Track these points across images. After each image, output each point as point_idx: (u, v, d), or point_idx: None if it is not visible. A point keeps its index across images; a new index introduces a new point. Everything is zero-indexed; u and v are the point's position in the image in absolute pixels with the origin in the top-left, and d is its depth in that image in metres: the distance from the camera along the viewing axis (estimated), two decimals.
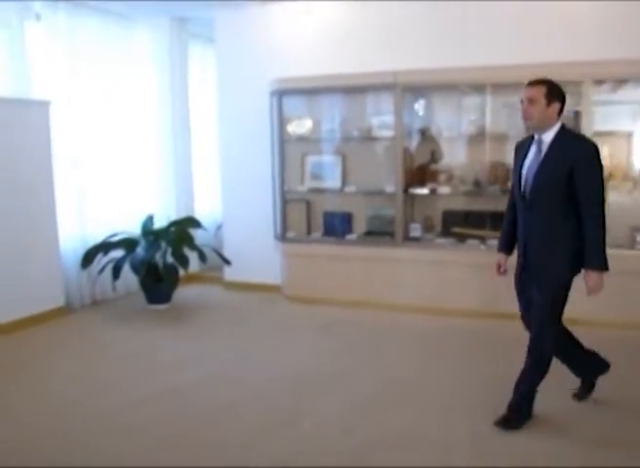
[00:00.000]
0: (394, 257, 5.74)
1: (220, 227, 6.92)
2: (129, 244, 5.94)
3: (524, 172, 3.36)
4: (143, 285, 5.95)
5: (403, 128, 5.67)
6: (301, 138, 6.18)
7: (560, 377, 3.65)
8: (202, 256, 6.09)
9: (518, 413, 3.42)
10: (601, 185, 3.20)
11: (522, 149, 3.44)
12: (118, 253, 5.89)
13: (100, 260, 5.83)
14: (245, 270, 6.50)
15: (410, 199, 5.87)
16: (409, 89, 5.62)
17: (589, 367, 3.69)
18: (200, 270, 6.91)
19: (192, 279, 6.83)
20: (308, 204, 6.32)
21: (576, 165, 3.15)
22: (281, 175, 6.14)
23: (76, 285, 5.99)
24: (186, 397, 3.93)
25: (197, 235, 6.38)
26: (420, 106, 5.94)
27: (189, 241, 6.12)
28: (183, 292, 6.36)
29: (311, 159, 6.20)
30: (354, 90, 5.88)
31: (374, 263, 5.83)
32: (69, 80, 5.86)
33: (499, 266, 3.66)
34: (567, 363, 3.64)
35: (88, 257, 5.78)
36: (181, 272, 6.09)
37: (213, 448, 3.25)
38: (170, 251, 5.99)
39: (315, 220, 6.32)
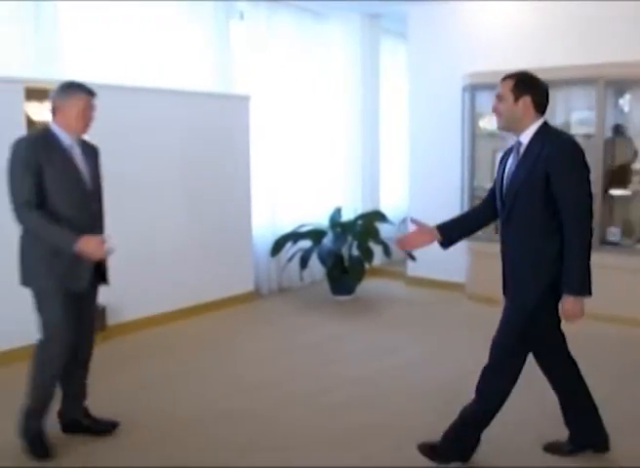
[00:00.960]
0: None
1: (404, 221, 6.93)
2: (316, 235, 6.13)
3: (504, 180, 2.89)
4: (329, 276, 6.11)
5: (604, 124, 5.33)
6: (492, 134, 6.01)
7: None
8: (387, 250, 6.14)
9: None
10: (584, 191, 2.70)
11: (506, 155, 2.95)
12: (306, 244, 6.11)
13: (289, 250, 6.10)
14: (429, 266, 6.43)
15: (608, 201, 5.51)
16: (612, 83, 5.27)
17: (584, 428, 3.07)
18: (382, 264, 6.98)
19: (375, 272, 6.91)
20: None
21: (550, 165, 2.66)
22: (471, 171, 6.02)
23: (265, 272, 6.30)
24: (379, 385, 4.01)
25: (382, 229, 6.44)
26: (624, 102, 5.55)
27: (375, 234, 6.20)
28: (366, 285, 6.45)
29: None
30: (552, 84, 5.59)
31: None
32: (267, 76, 6.15)
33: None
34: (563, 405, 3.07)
35: (277, 246, 6.05)
36: (366, 265, 6.19)
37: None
38: (356, 243, 6.11)
39: None
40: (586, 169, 2.73)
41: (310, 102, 6.64)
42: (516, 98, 2.73)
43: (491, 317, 5.54)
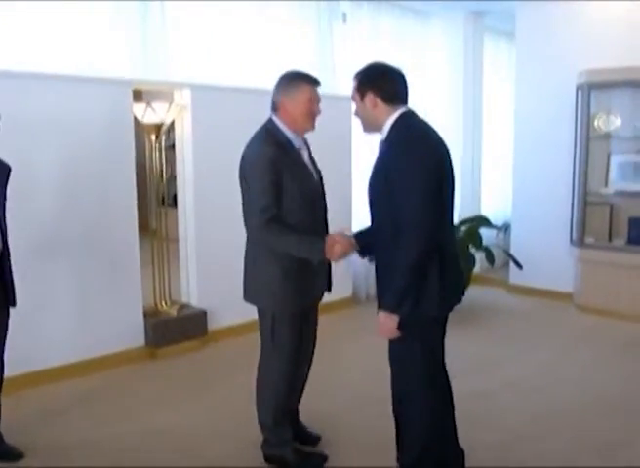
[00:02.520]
0: None
1: (503, 228, 6.62)
2: None
3: None
4: None
5: None
6: (607, 136, 5.66)
7: None
8: (490, 257, 5.87)
9: None
10: (414, 198, 2.31)
11: None
12: None
13: None
14: (533, 274, 6.11)
15: None
16: None
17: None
18: (483, 270, 6.70)
19: (476, 279, 6.62)
20: (612, 207, 5.76)
21: (387, 166, 2.39)
22: (585, 174, 5.66)
23: (363, 277, 6.14)
24: (492, 402, 3.79)
25: (484, 234, 6.17)
26: None
27: (477, 240, 5.94)
28: (467, 293, 6.16)
29: (618, 159, 5.63)
30: None
31: None
32: None
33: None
34: None
35: None
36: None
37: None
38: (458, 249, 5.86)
39: (618, 226, 5.75)
40: (422, 174, 2.33)
41: (412, 104, 6.42)
42: (362, 97, 2.51)
43: (604, 329, 5.32)
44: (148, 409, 3.73)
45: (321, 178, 3.01)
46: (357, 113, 2.59)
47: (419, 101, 6.48)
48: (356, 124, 5.63)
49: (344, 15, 5.78)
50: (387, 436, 2.79)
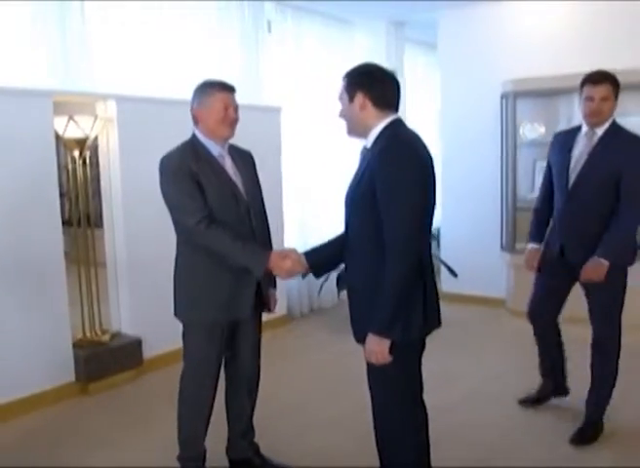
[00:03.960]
0: None
1: (436, 236, 6.63)
2: None
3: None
4: None
5: None
6: (532, 143, 5.76)
7: None
8: None
9: None
10: (404, 213, 2.16)
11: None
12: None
13: None
14: (465, 282, 6.13)
15: None
16: None
17: None
18: None
19: None
20: None
21: (375, 175, 2.22)
22: (513, 181, 5.74)
23: (296, 293, 5.96)
24: (457, 415, 3.70)
25: None
26: None
27: None
28: None
29: (543, 165, 5.73)
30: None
31: None
32: (295, 86, 5.86)
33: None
34: None
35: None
36: None
37: None
38: None
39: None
40: (411, 186, 2.17)
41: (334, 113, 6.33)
42: (351, 98, 2.33)
43: None
44: (88, 451, 3.39)
45: (259, 189, 2.97)
46: (343, 115, 2.41)
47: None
48: (288, 134, 5.60)
49: (269, 23, 5.62)
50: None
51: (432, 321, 2.38)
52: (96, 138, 4.32)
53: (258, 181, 2.98)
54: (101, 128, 4.27)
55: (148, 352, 4.50)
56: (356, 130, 2.39)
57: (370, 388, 2.45)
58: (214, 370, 2.85)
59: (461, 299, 6.21)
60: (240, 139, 2.92)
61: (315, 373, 4.53)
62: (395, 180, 2.17)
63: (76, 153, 4.20)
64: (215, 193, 2.67)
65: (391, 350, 2.26)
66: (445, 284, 6.34)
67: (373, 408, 2.45)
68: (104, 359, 4.22)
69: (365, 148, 2.37)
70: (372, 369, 2.38)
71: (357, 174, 2.36)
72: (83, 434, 3.60)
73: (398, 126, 2.34)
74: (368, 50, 6.65)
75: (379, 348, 2.26)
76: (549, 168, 3.56)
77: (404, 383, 2.40)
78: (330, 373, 4.51)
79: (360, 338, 2.37)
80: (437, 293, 2.45)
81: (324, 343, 5.20)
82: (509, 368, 4.53)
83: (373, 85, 2.32)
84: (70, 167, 4.27)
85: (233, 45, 5.32)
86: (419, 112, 7.33)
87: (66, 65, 4.20)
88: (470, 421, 3.66)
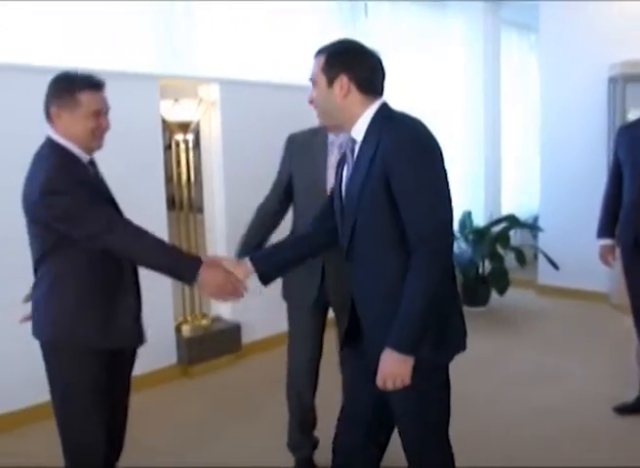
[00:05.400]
0: None
1: (536, 227, 6.38)
2: None
3: (342, 194, 2.12)
4: (465, 286, 5.62)
5: None
6: None
7: None
8: (520, 258, 5.65)
9: None
10: (433, 205, 1.82)
11: (342, 162, 2.10)
12: None
13: None
14: (564, 274, 5.86)
15: None
16: None
17: None
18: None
19: None
20: None
21: (388, 166, 1.82)
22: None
23: None
24: (566, 415, 3.51)
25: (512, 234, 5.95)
26: None
27: (505, 240, 5.71)
28: (496, 295, 5.96)
29: None
30: None
31: None
32: (392, 68, 5.72)
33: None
34: None
35: None
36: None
37: None
38: (487, 251, 5.63)
39: None
40: (438, 171, 1.85)
41: (431, 98, 6.18)
42: (330, 81, 1.91)
43: None
44: (196, 435, 3.39)
45: None
46: (316, 101, 1.98)
47: (438, 96, 6.25)
48: None
49: (366, 5, 5.50)
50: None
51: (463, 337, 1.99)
52: (198, 123, 4.32)
53: None
54: (204, 111, 4.26)
55: (246, 337, 4.49)
56: (335, 119, 1.98)
57: (396, 421, 2.03)
58: None
59: (561, 292, 5.95)
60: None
61: None
62: (422, 169, 1.82)
63: (180, 137, 4.21)
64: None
65: (421, 369, 1.84)
66: (543, 276, 6.12)
67: (404, 445, 2.02)
68: (205, 342, 4.24)
69: (352, 140, 1.96)
70: (400, 399, 1.93)
71: (355, 169, 1.93)
72: (187, 417, 3.61)
73: (391, 110, 1.95)
74: (463, 32, 6.45)
75: (400, 370, 1.81)
76: (617, 161, 3.44)
77: (444, 403, 2.00)
78: None
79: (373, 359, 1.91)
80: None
81: None
82: (610, 369, 4.27)
83: (358, 66, 1.92)
84: (174, 150, 4.29)
85: (331, 28, 5.24)
86: (513, 98, 7.06)
87: (172, 49, 4.20)
88: (570, 425, 3.45)
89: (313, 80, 1.96)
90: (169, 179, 4.24)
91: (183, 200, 4.32)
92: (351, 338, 2.08)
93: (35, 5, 3.53)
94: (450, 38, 6.38)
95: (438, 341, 1.87)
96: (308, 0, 5.01)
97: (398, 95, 5.80)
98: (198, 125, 4.35)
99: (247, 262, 2.19)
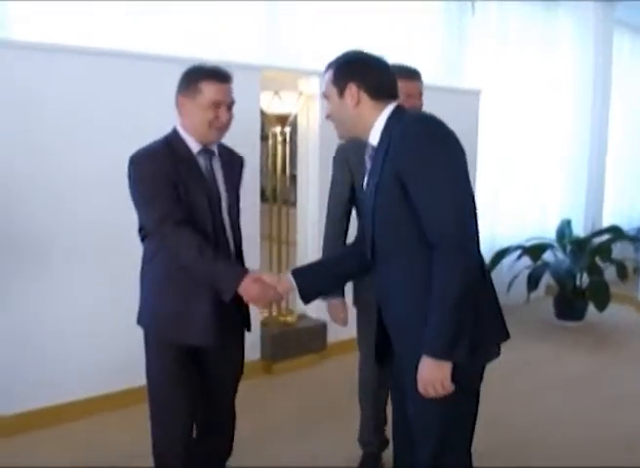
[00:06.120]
0: None
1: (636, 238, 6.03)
2: (537, 250, 5.40)
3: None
4: (559, 298, 5.35)
5: None
6: None
7: None
8: (621, 272, 5.31)
9: None
10: (452, 199, 1.72)
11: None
12: (523, 260, 5.39)
13: (502, 264, 5.41)
14: None
15: None
16: None
17: None
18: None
19: None
20: None
21: (399, 163, 1.75)
22: None
23: None
24: None
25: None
26: None
27: (606, 253, 5.38)
28: (593, 309, 5.65)
29: None
30: None
31: None
32: (498, 69, 5.51)
33: None
34: None
35: (494, 261, 5.38)
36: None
37: None
38: (586, 262, 5.32)
39: None
40: (451, 163, 1.75)
41: (537, 99, 5.89)
42: (341, 91, 1.89)
43: None
44: (277, 436, 3.32)
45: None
46: (331, 115, 1.95)
47: (545, 99, 5.97)
48: (488, 119, 5.25)
49: (473, 5, 5.28)
50: None
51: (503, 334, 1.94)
52: (296, 116, 4.24)
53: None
54: (303, 105, 4.18)
55: (332, 337, 4.39)
56: (351, 130, 1.94)
57: (415, 433, 1.93)
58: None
59: None
60: None
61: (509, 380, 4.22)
62: (434, 163, 1.73)
63: (277, 129, 4.15)
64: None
65: (458, 375, 1.77)
66: None
67: (420, 459, 1.92)
68: (290, 340, 4.17)
69: (372, 148, 1.91)
70: (422, 407, 1.86)
71: (371, 177, 1.90)
72: (270, 415, 3.56)
73: (404, 111, 1.89)
74: (573, 32, 6.13)
75: (438, 375, 1.74)
76: None
77: (470, 417, 1.93)
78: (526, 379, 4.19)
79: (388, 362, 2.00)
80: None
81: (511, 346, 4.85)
82: None
83: (366, 73, 1.89)
84: (270, 142, 4.23)
85: (437, 26, 5.08)
86: (623, 103, 6.70)
87: (273, 41, 4.15)
88: None
89: (326, 94, 1.94)
90: (263, 171, 4.20)
91: (277, 192, 4.27)
92: (382, 353, 2.04)
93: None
94: (559, 38, 6.07)
95: (472, 345, 1.76)
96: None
97: (503, 95, 5.60)
98: (296, 118, 4.28)
99: (290, 278, 2.13)
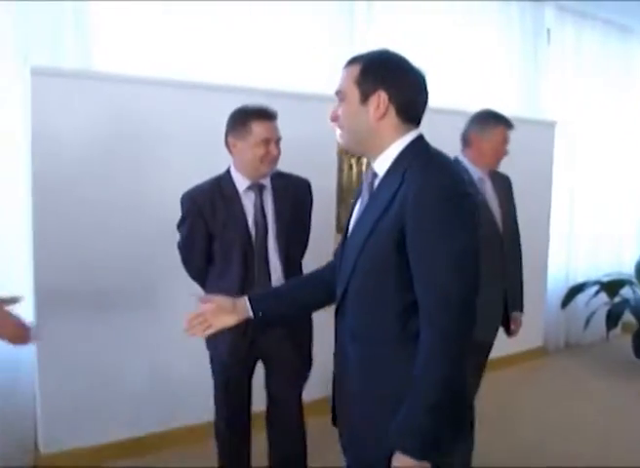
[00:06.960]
0: None
1: None
2: (616, 285, 5.17)
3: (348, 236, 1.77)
4: (638, 335, 5.12)
5: None
6: None
7: None
8: None
9: None
10: (458, 269, 1.46)
11: (358, 197, 1.78)
12: (600, 296, 5.17)
13: (577, 300, 5.22)
14: None
15: None
16: None
17: None
18: None
19: None
20: None
21: (406, 215, 1.49)
22: None
23: (554, 325, 5.43)
24: None
25: None
26: None
27: None
28: None
29: None
30: None
31: None
32: (574, 99, 5.37)
33: None
34: None
35: (570, 296, 5.20)
36: None
37: None
38: None
39: None
40: (464, 234, 1.48)
41: (613, 130, 5.72)
42: (365, 96, 1.57)
43: None
44: None
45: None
46: (341, 120, 1.64)
47: (620, 129, 5.79)
48: (564, 150, 5.10)
49: (548, 31, 5.19)
50: None
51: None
52: None
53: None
54: None
55: None
56: (361, 144, 1.64)
57: None
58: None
59: None
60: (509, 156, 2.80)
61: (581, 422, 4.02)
62: (444, 229, 1.47)
63: (353, 160, 4.11)
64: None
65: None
66: None
67: None
68: None
69: (374, 174, 1.64)
70: None
71: (367, 208, 1.63)
72: None
73: (426, 146, 1.62)
74: None
75: None
76: None
77: None
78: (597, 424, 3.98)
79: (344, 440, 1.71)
80: None
81: (588, 388, 4.64)
82: None
83: (402, 83, 1.57)
84: (346, 171, 4.19)
85: (512, 55, 5.01)
86: None
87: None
88: None
89: (341, 93, 1.62)
90: (339, 201, 4.15)
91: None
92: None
93: (229, 29, 3.72)
94: (634, 67, 5.92)
95: (456, 434, 1.56)
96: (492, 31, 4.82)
97: (579, 125, 5.45)
98: None
99: (246, 303, 1.88)
